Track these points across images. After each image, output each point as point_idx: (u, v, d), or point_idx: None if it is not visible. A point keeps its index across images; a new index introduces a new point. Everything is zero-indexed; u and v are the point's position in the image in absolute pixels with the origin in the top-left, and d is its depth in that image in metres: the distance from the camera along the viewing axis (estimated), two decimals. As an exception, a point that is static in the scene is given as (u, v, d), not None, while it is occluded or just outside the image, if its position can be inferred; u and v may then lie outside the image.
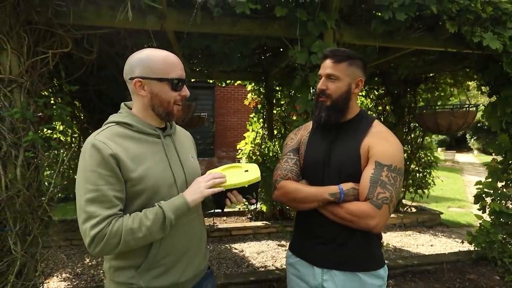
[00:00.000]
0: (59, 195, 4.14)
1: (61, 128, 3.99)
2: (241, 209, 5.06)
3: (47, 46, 2.09)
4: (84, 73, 3.45)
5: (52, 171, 3.08)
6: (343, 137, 1.30)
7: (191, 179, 1.09)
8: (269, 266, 3.44)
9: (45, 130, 2.28)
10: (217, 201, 1.14)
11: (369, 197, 1.16)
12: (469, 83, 4.35)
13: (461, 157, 17.19)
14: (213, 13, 2.04)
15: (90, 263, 3.54)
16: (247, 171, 1.10)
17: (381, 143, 1.23)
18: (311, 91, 2.39)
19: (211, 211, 1.29)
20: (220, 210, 1.21)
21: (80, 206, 0.93)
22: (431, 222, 4.99)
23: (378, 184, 1.17)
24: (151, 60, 1.02)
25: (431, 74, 4.43)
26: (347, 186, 1.22)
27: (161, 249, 1.04)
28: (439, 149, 17.44)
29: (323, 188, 1.23)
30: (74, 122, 3.96)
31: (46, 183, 2.33)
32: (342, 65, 1.25)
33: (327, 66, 1.27)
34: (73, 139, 4.07)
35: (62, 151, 2.45)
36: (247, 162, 4.78)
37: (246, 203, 4.81)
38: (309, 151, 1.35)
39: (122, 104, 1.12)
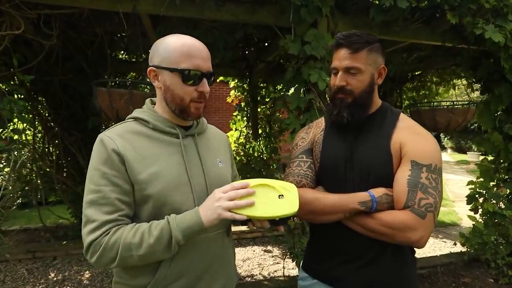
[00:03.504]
0: (19, 201, 3.73)
1: (20, 126, 3.57)
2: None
3: (-7, 26, 1.74)
4: (47, 64, 3.08)
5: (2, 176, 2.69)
6: (367, 134, 1.09)
7: (215, 188, 0.91)
8: (256, 275, 3.20)
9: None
10: (236, 222, 0.90)
11: (409, 205, 0.95)
12: (455, 81, 4.33)
13: (437, 156, 17.71)
14: (195, -8, 1.77)
15: (55, 278, 3.15)
16: (281, 196, 0.84)
17: (415, 139, 1.03)
18: (304, 85, 2.18)
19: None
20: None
21: (83, 207, 0.84)
22: (417, 222, 4.94)
23: (418, 188, 0.96)
24: (167, 47, 0.89)
25: (417, 72, 4.37)
26: (378, 192, 1.00)
27: (172, 270, 0.87)
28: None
29: (349, 195, 1.01)
30: (37, 119, 3.54)
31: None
32: (361, 54, 1.03)
33: (344, 57, 1.05)
34: (36, 138, 3.64)
35: (15, 153, 2.07)
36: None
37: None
38: (327, 151, 1.13)
39: (147, 100, 1.00)
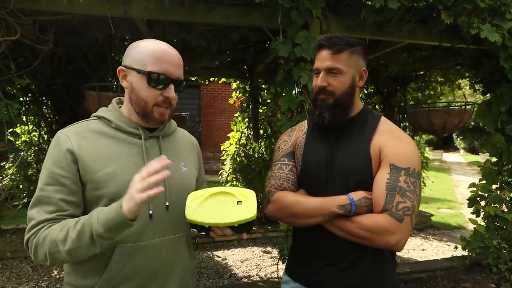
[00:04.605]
0: (25, 200, 3.84)
1: (23, 128, 3.68)
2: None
3: (-10, 33, 1.81)
4: (51, 67, 3.17)
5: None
6: (347, 137, 1.10)
7: (174, 193, 0.93)
8: (253, 275, 3.21)
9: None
10: (197, 230, 0.91)
11: (387, 208, 0.96)
12: (460, 81, 4.24)
13: (448, 157, 17.38)
14: (184, -4, 1.80)
15: (58, 276, 3.23)
16: (240, 202, 0.86)
17: (394, 142, 1.04)
18: (296, 87, 2.18)
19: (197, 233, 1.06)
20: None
21: (29, 204, 0.85)
22: (421, 225, 4.85)
23: (396, 192, 0.97)
24: (139, 49, 0.90)
25: (421, 72, 4.30)
26: (357, 195, 1.01)
27: (118, 272, 0.86)
28: (427, 148, 17.60)
29: (329, 199, 1.02)
30: (42, 121, 3.65)
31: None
32: (343, 55, 1.05)
33: (325, 58, 1.06)
34: (42, 139, 3.75)
35: (11, 155, 2.14)
36: (239, 186, 4.52)
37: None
38: (308, 155, 1.14)
39: (114, 99, 1.00)
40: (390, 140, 1.05)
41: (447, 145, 21.82)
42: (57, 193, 0.82)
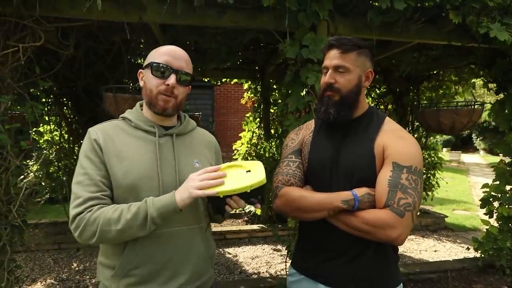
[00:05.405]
0: (47, 195, 4.05)
1: (44, 128, 3.88)
2: (237, 212, 4.90)
3: (18, 39, 1.95)
4: (71, 70, 3.34)
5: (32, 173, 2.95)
6: (352, 136, 1.14)
7: None
8: (263, 272, 3.28)
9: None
10: (215, 206, 1.01)
11: (389, 204, 1.01)
12: (475, 80, 4.16)
13: (467, 158, 16.88)
14: (194, 2, 1.88)
15: (77, 268, 3.40)
16: (249, 171, 0.94)
17: (397, 141, 1.09)
18: (303, 87, 2.23)
19: (214, 220, 1.18)
20: (220, 216, 1.11)
21: (72, 188, 0.94)
22: (435, 226, 4.79)
23: (398, 189, 1.01)
24: (153, 51, 1.03)
25: (434, 72, 4.24)
26: (361, 191, 1.06)
27: (134, 257, 0.95)
28: (445, 149, 17.18)
29: (333, 194, 1.07)
30: (63, 121, 3.84)
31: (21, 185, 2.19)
32: (350, 55, 1.11)
33: (334, 57, 1.12)
34: (63, 138, 3.94)
35: (35, 153, 2.29)
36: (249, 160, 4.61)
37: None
38: (314, 152, 1.19)
39: (138, 102, 1.12)
40: (394, 140, 1.09)
41: (466, 146, 21.18)
42: (98, 176, 0.93)
